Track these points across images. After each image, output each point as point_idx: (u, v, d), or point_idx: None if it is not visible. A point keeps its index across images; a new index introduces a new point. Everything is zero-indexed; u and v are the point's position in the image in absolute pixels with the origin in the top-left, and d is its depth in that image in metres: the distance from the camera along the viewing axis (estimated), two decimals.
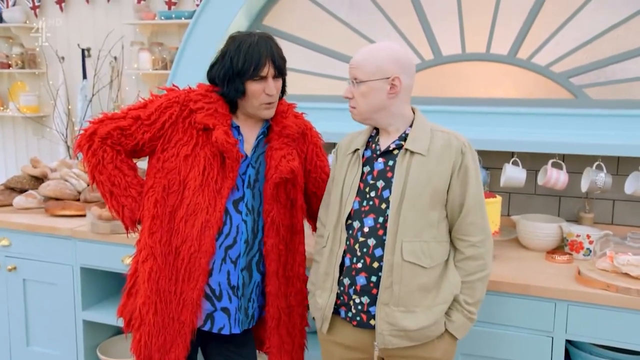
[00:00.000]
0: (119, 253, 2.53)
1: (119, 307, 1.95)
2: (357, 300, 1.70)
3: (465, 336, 1.78)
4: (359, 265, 1.69)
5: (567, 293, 1.93)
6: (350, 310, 1.72)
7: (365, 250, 1.69)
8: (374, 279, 1.67)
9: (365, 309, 1.70)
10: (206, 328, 1.85)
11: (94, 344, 2.76)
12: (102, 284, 2.78)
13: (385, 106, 1.70)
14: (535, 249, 2.37)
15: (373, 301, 1.68)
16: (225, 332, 1.85)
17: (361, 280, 1.69)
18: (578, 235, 2.27)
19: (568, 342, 2.06)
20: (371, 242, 1.68)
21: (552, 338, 1.98)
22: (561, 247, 2.36)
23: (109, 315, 2.63)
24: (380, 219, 1.68)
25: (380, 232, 1.68)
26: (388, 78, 1.67)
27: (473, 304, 1.71)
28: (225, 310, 1.84)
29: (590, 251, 2.25)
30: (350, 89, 1.72)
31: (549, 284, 1.98)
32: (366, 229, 1.69)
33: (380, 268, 1.67)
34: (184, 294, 1.80)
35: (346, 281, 1.72)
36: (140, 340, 1.83)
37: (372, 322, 1.69)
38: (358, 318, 1.71)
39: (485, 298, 1.84)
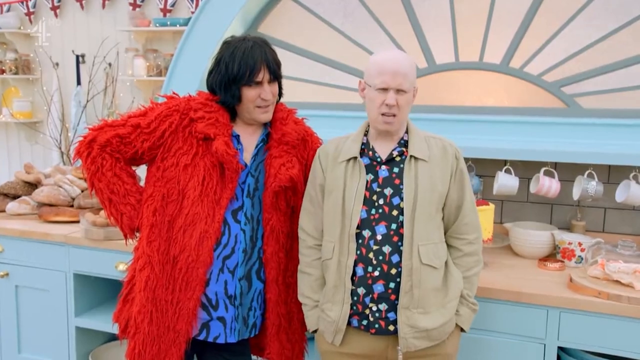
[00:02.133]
0: (113, 259, 2.53)
1: (115, 312, 1.94)
2: (374, 308, 1.70)
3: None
4: (376, 273, 1.69)
5: (559, 300, 1.95)
6: (367, 319, 1.72)
7: (381, 257, 1.69)
8: (392, 285, 1.69)
9: (383, 316, 1.70)
10: (201, 337, 1.85)
11: (86, 350, 2.74)
12: (95, 290, 2.77)
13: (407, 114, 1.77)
14: (528, 257, 2.39)
15: (391, 307, 1.70)
16: (221, 340, 1.84)
17: (379, 287, 1.69)
18: (570, 243, 2.29)
19: (560, 349, 2.07)
20: (386, 249, 1.69)
21: (544, 345, 1.99)
22: (553, 255, 2.38)
23: (102, 322, 2.62)
24: (393, 226, 1.70)
25: (395, 238, 1.69)
26: (415, 88, 1.75)
27: (473, 296, 1.80)
28: (221, 319, 1.83)
29: (582, 259, 2.27)
30: (395, 96, 1.69)
31: (541, 291, 1.99)
32: (379, 237, 1.70)
33: (397, 274, 1.68)
34: (180, 303, 1.79)
35: (361, 290, 1.71)
36: (134, 348, 1.83)
37: (390, 327, 1.70)
38: (376, 325, 1.71)
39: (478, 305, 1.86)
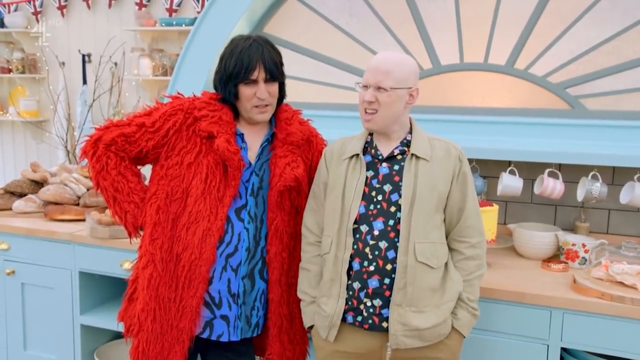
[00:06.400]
0: (118, 258, 2.54)
1: (120, 312, 1.95)
2: (369, 304, 1.71)
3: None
4: (371, 268, 1.70)
5: (562, 301, 1.95)
6: (361, 314, 1.73)
7: (377, 253, 1.70)
8: (387, 281, 1.70)
9: (377, 312, 1.71)
10: (205, 335, 1.85)
11: (91, 348, 2.76)
12: (100, 288, 2.78)
13: (400, 115, 1.75)
14: (531, 258, 2.39)
15: (385, 303, 1.70)
16: (224, 339, 1.85)
17: (373, 283, 1.70)
18: (574, 244, 2.29)
19: (563, 349, 2.07)
20: (382, 244, 1.70)
21: (548, 346, 1.99)
22: (557, 256, 2.38)
23: (107, 320, 2.63)
24: (391, 222, 1.71)
25: (392, 234, 1.70)
26: (410, 88, 1.72)
27: (474, 301, 1.78)
28: (224, 317, 1.84)
29: (586, 260, 2.27)
30: (374, 94, 1.71)
31: (544, 292, 1.99)
32: (376, 232, 1.71)
33: (393, 270, 1.69)
34: (183, 301, 1.80)
35: (356, 285, 1.72)
36: (138, 346, 1.84)
37: (384, 324, 1.71)
38: (370, 321, 1.72)
39: (481, 305, 1.86)
